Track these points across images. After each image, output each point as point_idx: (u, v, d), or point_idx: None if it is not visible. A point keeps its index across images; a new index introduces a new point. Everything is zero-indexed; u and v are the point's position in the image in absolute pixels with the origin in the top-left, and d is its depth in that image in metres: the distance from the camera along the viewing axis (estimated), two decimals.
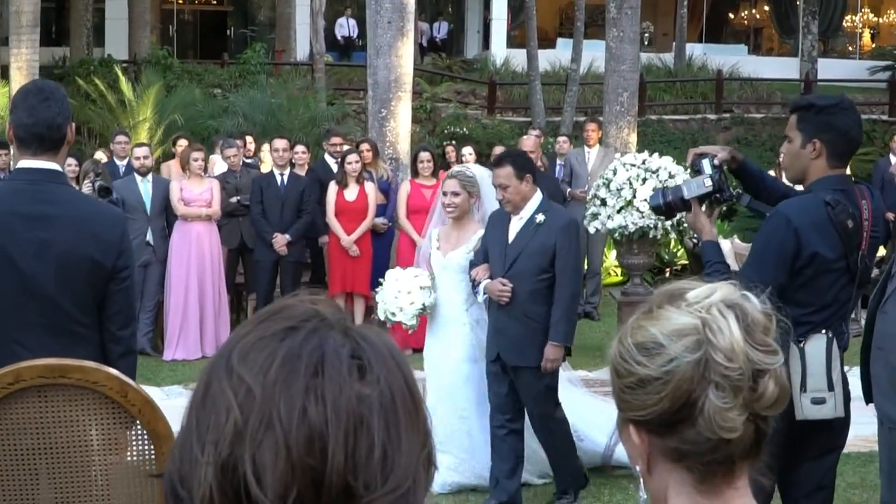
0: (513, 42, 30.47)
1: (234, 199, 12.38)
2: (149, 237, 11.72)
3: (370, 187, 12.27)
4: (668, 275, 16.07)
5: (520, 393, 6.96)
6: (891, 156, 15.53)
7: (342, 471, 1.21)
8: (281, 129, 17.07)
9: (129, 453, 3.72)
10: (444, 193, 7.45)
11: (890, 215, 11.95)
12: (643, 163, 10.76)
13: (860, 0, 35.03)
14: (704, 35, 34.24)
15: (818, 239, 4.56)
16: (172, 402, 8.97)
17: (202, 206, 11.78)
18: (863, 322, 5.20)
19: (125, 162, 12.98)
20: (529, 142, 12.63)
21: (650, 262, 11.82)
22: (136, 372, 4.37)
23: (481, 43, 32.26)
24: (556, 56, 27.67)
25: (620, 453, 7.26)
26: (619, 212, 10.70)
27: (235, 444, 1.22)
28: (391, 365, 1.29)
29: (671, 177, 10.48)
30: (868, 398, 4.98)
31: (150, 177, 11.98)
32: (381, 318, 7.66)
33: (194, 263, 11.70)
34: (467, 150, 13.62)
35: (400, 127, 13.72)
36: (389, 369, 1.29)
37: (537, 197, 6.92)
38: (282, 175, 12.16)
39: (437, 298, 7.49)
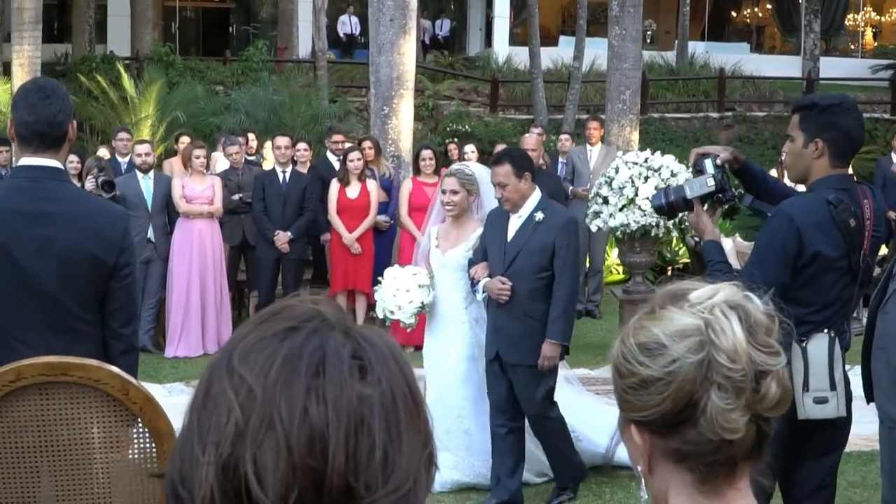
0: (515, 40, 30.45)
1: (236, 197, 12.38)
2: (150, 234, 11.72)
3: (372, 185, 12.27)
4: (669, 273, 16.06)
5: (516, 391, 6.95)
6: (892, 154, 15.52)
7: (343, 471, 1.21)
8: (283, 127, 17.07)
9: (130, 451, 3.72)
10: (443, 191, 7.44)
11: (892, 214, 11.94)
12: (645, 161, 10.76)
13: None
14: (707, 33, 34.23)
15: (820, 238, 4.55)
16: (174, 400, 8.99)
17: (204, 204, 11.79)
18: (864, 321, 5.19)
19: (127, 159, 12.99)
20: (531, 140, 12.62)
21: (652, 261, 11.83)
22: (138, 369, 4.37)
23: (483, 40, 32.25)
24: (559, 54, 27.68)
25: (621, 454, 7.25)
26: (621, 210, 10.71)
27: (236, 444, 1.22)
28: (392, 365, 1.29)
29: (673, 175, 10.48)
30: (869, 397, 4.98)
31: (151, 174, 11.98)
32: (380, 316, 7.65)
33: (196, 261, 11.70)
34: (469, 148, 13.61)
35: (402, 124, 13.73)
36: (390, 370, 1.28)
37: (536, 195, 6.91)
38: (284, 172, 12.16)
39: (436, 297, 7.48)
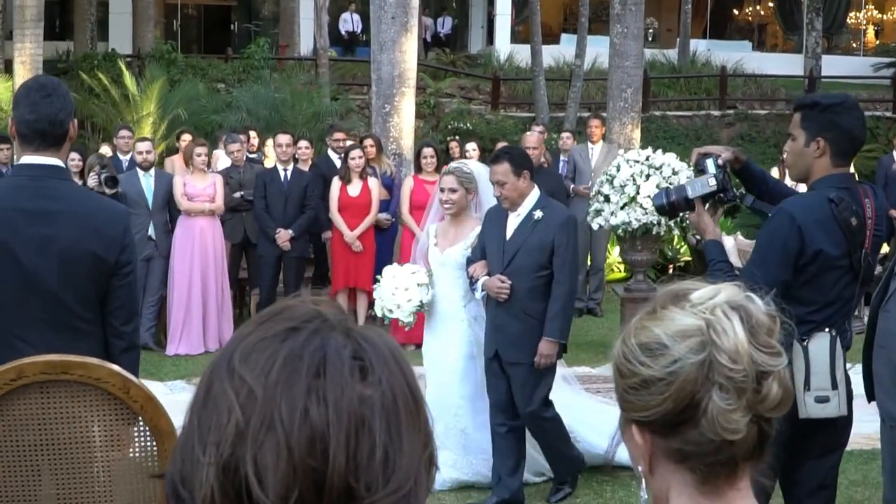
0: (517, 37, 30.43)
1: (237, 195, 12.38)
2: (151, 232, 11.72)
3: (373, 183, 12.27)
4: (671, 271, 16.08)
5: (514, 390, 6.92)
6: (894, 153, 15.53)
7: (343, 472, 1.21)
8: (284, 124, 17.08)
9: (131, 450, 3.72)
10: (442, 190, 7.43)
11: (893, 213, 11.93)
12: (647, 159, 10.75)
13: None
14: (708, 31, 34.23)
15: (822, 236, 4.55)
16: (175, 397, 9.00)
17: (205, 202, 11.79)
18: (866, 319, 5.19)
19: (128, 156, 12.99)
20: (533, 138, 12.62)
21: (653, 259, 11.82)
22: (139, 367, 4.37)
23: (485, 38, 32.24)
24: (560, 52, 27.66)
25: (621, 455, 7.25)
26: (622, 208, 10.70)
27: (237, 444, 1.22)
28: (393, 366, 1.29)
29: (674, 173, 10.47)
30: (870, 396, 4.98)
31: (152, 171, 11.98)
32: (379, 314, 7.65)
33: (197, 258, 11.71)
34: (471, 146, 13.61)
35: (403, 122, 13.74)
36: (391, 370, 1.28)
37: (535, 193, 6.90)
38: (285, 170, 12.16)
39: (435, 295, 7.48)
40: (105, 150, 13.67)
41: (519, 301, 6.79)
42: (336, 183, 12.19)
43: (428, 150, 12.46)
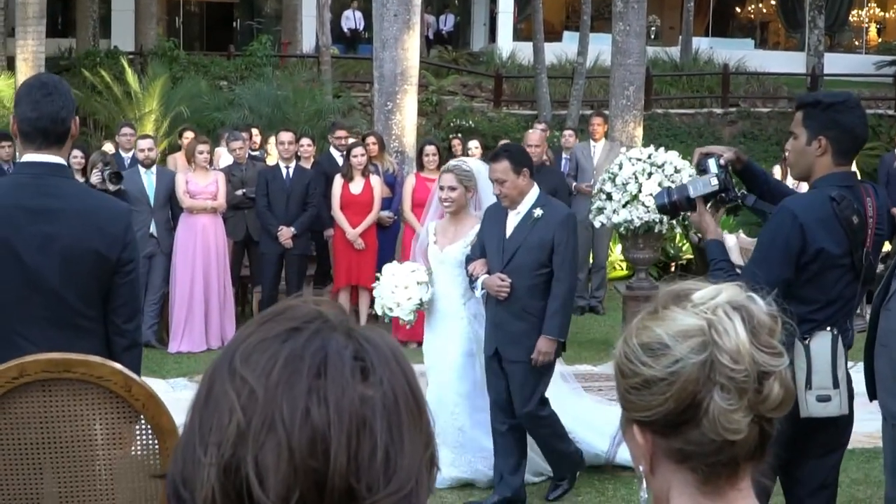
0: (519, 35, 30.45)
1: (239, 192, 12.38)
2: (152, 229, 11.73)
3: (376, 180, 12.26)
4: (673, 269, 16.08)
5: (511, 388, 6.89)
6: None
7: (345, 473, 1.21)
8: (287, 122, 17.09)
9: (133, 448, 3.72)
10: (441, 188, 7.41)
11: (895, 211, 11.91)
12: (649, 157, 10.76)
13: None
14: (711, 29, 34.24)
15: (824, 235, 4.54)
16: (177, 395, 9.01)
17: (207, 199, 11.79)
18: (867, 318, 5.19)
19: (130, 154, 12.97)
20: (535, 135, 12.61)
21: (655, 257, 11.83)
22: (142, 364, 4.37)
23: (487, 36, 32.25)
24: (563, 49, 27.66)
25: (622, 456, 7.24)
26: (624, 206, 10.71)
27: (238, 445, 1.22)
28: (394, 366, 1.29)
29: (677, 171, 10.48)
30: (872, 395, 4.98)
31: (153, 169, 11.98)
32: (379, 313, 7.64)
33: (199, 256, 11.71)
34: (473, 144, 13.61)
35: (406, 120, 13.74)
36: (392, 371, 1.29)
37: (534, 191, 6.89)
38: (287, 168, 12.15)
39: (435, 293, 7.47)
40: (108, 147, 13.68)
41: (519, 299, 6.77)
42: (338, 180, 12.19)
43: (430, 148, 12.44)
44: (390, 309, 7.47)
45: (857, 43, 35.33)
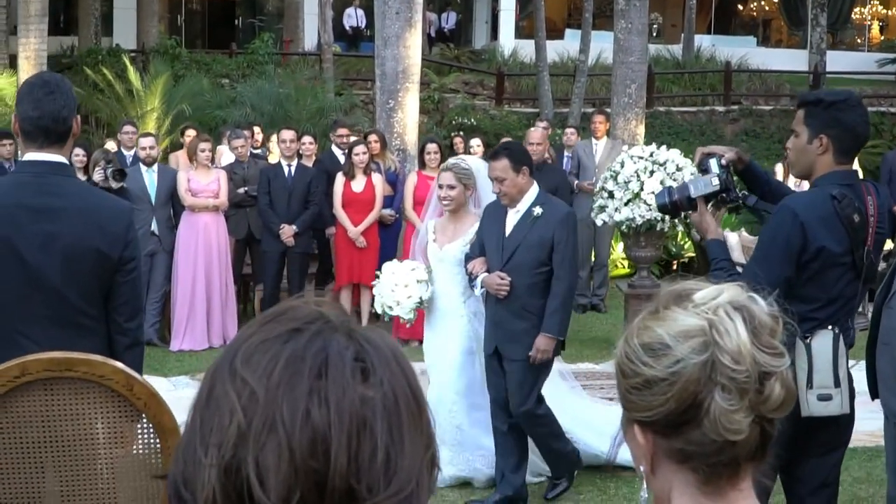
0: (521, 33, 30.43)
1: (241, 190, 12.39)
2: (153, 227, 11.73)
3: (377, 178, 12.27)
4: (675, 267, 16.07)
5: (509, 386, 6.87)
6: None
7: (345, 473, 1.21)
8: (289, 120, 17.08)
9: (134, 447, 3.72)
10: (440, 186, 7.40)
11: None
12: (651, 155, 10.76)
13: None
14: (713, 26, 34.22)
15: (825, 233, 4.54)
16: (179, 393, 9.01)
17: (209, 197, 11.80)
18: (870, 316, 5.19)
19: (132, 152, 12.97)
20: (537, 133, 12.60)
21: (657, 255, 11.83)
22: (143, 363, 4.38)
23: (489, 33, 32.23)
24: (565, 47, 27.63)
25: (623, 456, 7.24)
26: (626, 204, 10.71)
27: (239, 446, 1.22)
28: (394, 367, 1.29)
29: (678, 169, 10.48)
30: (874, 393, 4.98)
31: (155, 167, 12.00)
32: (379, 311, 7.63)
33: (201, 254, 11.72)
34: (475, 142, 13.60)
35: (407, 118, 13.73)
36: (393, 372, 1.29)
37: (534, 190, 6.87)
38: (289, 166, 12.16)
39: (435, 291, 7.46)
40: (111, 145, 13.68)
41: (518, 298, 6.76)
42: (340, 179, 12.19)
43: (432, 146, 12.44)
44: (390, 307, 7.46)
45: (859, 40, 35.30)
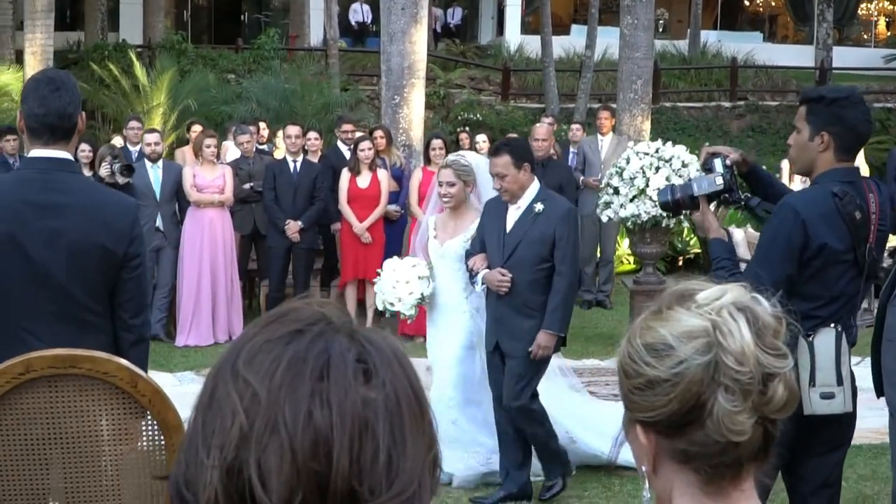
0: (527, 28, 30.39)
1: (246, 186, 12.39)
2: (158, 223, 11.74)
3: (383, 174, 12.26)
4: (680, 264, 16.06)
5: (506, 381, 6.85)
6: None
7: (347, 475, 1.21)
8: (294, 115, 17.07)
9: (139, 444, 3.73)
10: (440, 183, 7.39)
11: None
12: (656, 151, 10.75)
13: None
14: (719, 22, 34.15)
15: (827, 230, 4.53)
16: (184, 389, 9.03)
17: (215, 193, 11.81)
18: (875, 313, 5.18)
19: (138, 147, 12.98)
20: (542, 129, 12.60)
21: (663, 251, 11.83)
22: (149, 358, 4.38)
23: (495, 29, 32.18)
24: (571, 43, 27.62)
25: (624, 457, 7.23)
26: (631, 200, 10.70)
27: (241, 447, 1.22)
28: (397, 369, 1.29)
29: (684, 166, 10.47)
30: (879, 391, 4.97)
31: (160, 162, 12.01)
32: (380, 308, 7.62)
33: (207, 250, 11.73)
34: (481, 138, 13.59)
35: (413, 113, 13.73)
36: (395, 373, 1.29)
37: (535, 186, 6.86)
38: (295, 162, 12.16)
39: (436, 287, 7.45)
40: (117, 140, 13.69)
41: (520, 294, 6.76)
42: (345, 174, 12.20)
43: (437, 142, 12.45)
44: (391, 304, 7.45)
45: (865, 36, 35.24)
